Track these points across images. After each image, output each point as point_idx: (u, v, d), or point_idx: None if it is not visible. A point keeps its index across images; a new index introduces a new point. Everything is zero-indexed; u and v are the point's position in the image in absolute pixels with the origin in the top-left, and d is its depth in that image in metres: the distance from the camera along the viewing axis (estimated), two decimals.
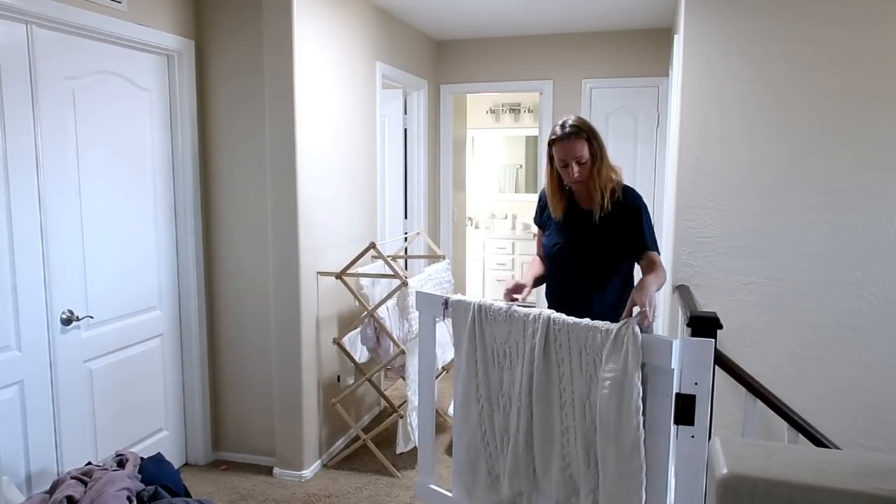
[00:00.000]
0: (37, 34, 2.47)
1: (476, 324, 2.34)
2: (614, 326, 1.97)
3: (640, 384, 1.92)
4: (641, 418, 1.93)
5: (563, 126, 2.42)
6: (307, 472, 3.32)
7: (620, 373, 1.93)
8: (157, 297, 3.16)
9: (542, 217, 2.68)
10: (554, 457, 2.17)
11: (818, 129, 2.82)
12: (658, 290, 2.26)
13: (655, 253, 2.46)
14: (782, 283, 2.89)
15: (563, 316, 2.12)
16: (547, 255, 2.62)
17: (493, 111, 7.24)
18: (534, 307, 2.27)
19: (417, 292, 2.53)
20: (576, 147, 2.38)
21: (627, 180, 4.71)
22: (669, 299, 3.13)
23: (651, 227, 2.53)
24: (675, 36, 3.50)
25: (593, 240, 2.50)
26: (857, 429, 2.84)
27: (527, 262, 6.88)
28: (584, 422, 2.11)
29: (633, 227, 2.49)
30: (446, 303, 2.40)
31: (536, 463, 2.24)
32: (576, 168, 2.40)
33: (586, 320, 2.05)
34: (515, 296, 2.38)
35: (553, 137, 2.44)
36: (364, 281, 3.55)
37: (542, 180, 2.67)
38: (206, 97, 3.30)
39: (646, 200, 2.59)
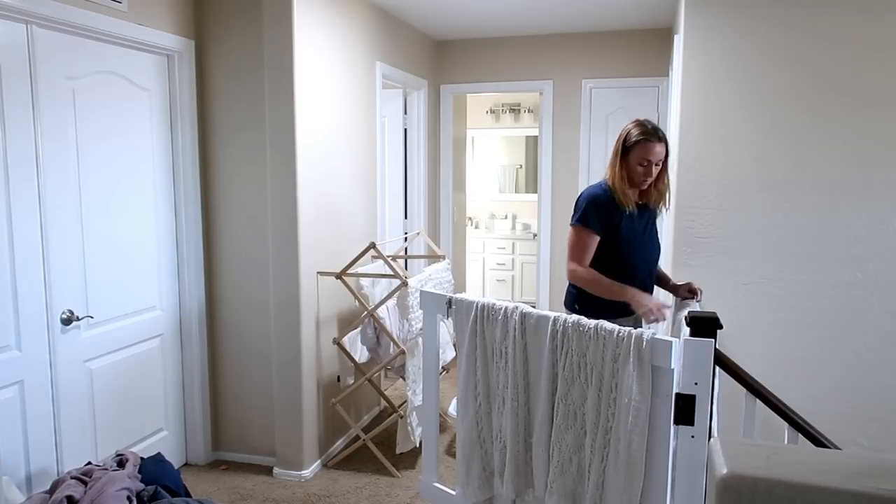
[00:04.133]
0: (37, 34, 2.47)
1: (477, 323, 2.36)
2: (625, 332, 1.97)
3: (647, 406, 1.93)
4: (646, 432, 1.95)
5: (654, 129, 2.57)
6: (307, 472, 3.32)
7: (638, 397, 1.95)
8: (157, 297, 3.16)
9: (606, 223, 2.63)
10: (552, 458, 2.18)
11: (818, 129, 2.82)
12: None
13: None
14: (782, 283, 2.89)
15: (565, 316, 2.14)
16: (631, 259, 2.65)
17: (493, 111, 7.24)
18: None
19: (422, 291, 2.55)
20: (660, 151, 2.55)
21: None
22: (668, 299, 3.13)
23: None
24: (675, 36, 3.50)
25: (657, 240, 2.75)
26: (857, 429, 2.84)
27: (527, 262, 6.90)
28: (576, 424, 2.12)
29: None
30: (450, 302, 2.45)
31: (534, 463, 2.25)
32: (654, 170, 2.57)
33: (594, 323, 2.06)
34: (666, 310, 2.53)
35: (643, 137, 2.55)
36: (364, 281, 3.55)
37: (604, 179, 2.70)
38: (206, 97, 3.30)
39: None
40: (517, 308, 2.27)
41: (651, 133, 2.55)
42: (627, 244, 2.64)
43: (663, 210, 2.72)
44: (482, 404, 2.39)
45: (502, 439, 2.33)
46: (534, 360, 2.23)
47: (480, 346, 2.36)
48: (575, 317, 2.12)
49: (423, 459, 2.67)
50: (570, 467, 2.14)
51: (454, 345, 3.60)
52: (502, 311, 2.29)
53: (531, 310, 2.24)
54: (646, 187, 2.65)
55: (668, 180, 2.67)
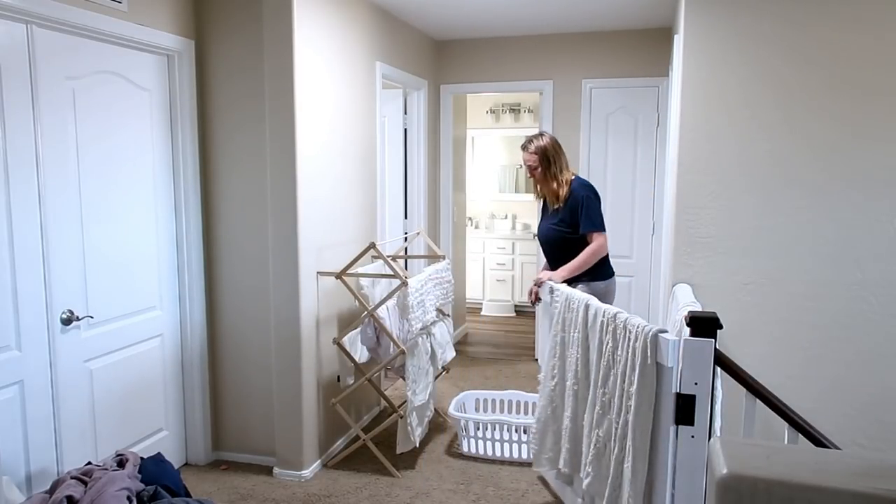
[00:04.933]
0: (37, 34, 2.47)
1: (561, 311, 2.71)
2: (641, 327, 2.05)
3: (650, 402, 1.98)
4: (649, 427, 2.01)
5: (529, 139, 3.42)
6: (307, 472, 3.32)
7: (641, 391, 2.02)
8: (157, 297, 3.16)
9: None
10: (591, 442, 2.31)
11: (818, 129, 2.82)
12: (572, 273, 3.25)
13: (593, 234, 3.30)
14: (782, 283, 2.89)
15: (605, 307, 2.35)
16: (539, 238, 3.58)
17: (493, 111, 7.24)
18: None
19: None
20: (527, 157, 3.41)
21: (627, 180, 4.80)
22: (668, 299, 3.13)
23: (591, 212, 3.32)
24: (675, 36, 3.50)
25: (552, 226, 3.41)
26: (857, 429, 2.84)
27: (527, 262, 6.91)
28: (610, 413, 2.21)
29: (575, 215, 3.33)
30: (551, 290, 2.93)
31: (582, 445, 2.47)
32: (529, 172, 3.45)
33: (625, 316, 2.17)
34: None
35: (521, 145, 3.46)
36: (364, 281, 3.55)
37: None
38: (206, 97, 3.30)
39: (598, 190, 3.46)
40: (585, 300, 2.51)
41: (523, 145, 3.44)
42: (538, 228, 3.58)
43: (557, 204, 3.37)
44: (558, 384, 2.72)
45: (566, 419, 2.59)
46: (591, 349, 2.41)
47: (561, 332, 2.69)
48: (615, 309, 2.26)
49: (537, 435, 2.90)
50: (603, 453, 2.26)
51: (454, 345, 3.63)
52: (577, 302, 2.56)
53: (593, 302, 2.44)
54: (537, 185, 3.48)
55: (553, 182, 3.36)
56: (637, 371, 1.99)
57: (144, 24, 2.93)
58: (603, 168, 4.96)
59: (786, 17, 2.81)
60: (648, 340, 1.96)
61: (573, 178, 3.41)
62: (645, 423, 1.99)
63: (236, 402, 3.47)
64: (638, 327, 2.05)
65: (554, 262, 3.43)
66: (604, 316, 2.30)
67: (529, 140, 3.40)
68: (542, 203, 3.57)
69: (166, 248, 3.22)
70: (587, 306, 2.45)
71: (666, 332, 1.98)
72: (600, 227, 3.32)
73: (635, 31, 4.77)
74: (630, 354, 2.06)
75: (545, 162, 3.36)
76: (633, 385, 2.05)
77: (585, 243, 3.31)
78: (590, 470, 2.30)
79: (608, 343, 2.25)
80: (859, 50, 2.75)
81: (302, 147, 3.17)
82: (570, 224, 3.33)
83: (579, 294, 2.62)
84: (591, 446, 2.31)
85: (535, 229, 6.07)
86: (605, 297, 3.42)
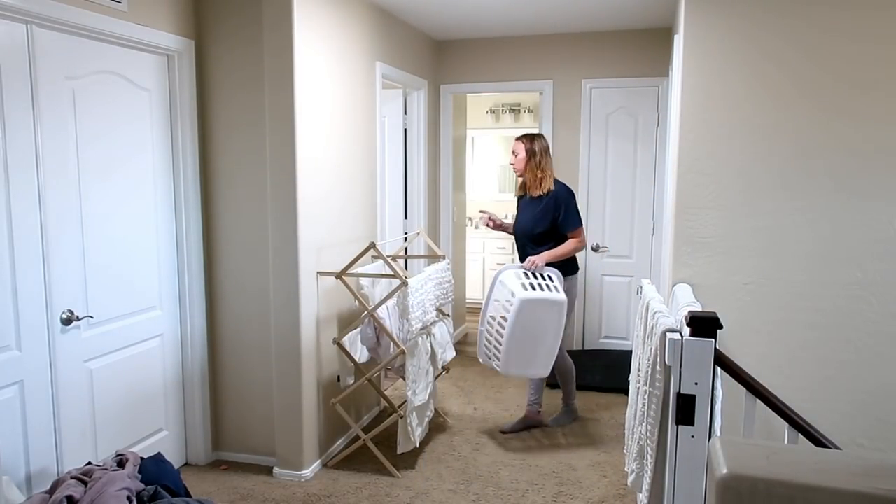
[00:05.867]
0: (37, 34, 2.47)
1: (641, 309, 2.71)
2: (669, 332, 2.08)
3: (659, 399, 2.01)
4: (657, 423, 2.03)
5: (524, 134, 3.83)
6: (307, 472, 3.32)
7: (651, 389, 2.05)
8: (157, 297, 3.16)
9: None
10: (636, 439, 2.36)
11: (818, 129, 2.82)
12: (554, 258, 3.65)
13: (572, 232, 3.71)
14: (782, 283, 2.89)
15: (657, 305, 2.36)
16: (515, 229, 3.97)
17: (493, 111, 7.24)
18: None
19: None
20: (517, 144, 3.80)
21: (627, 180, 4.84)
22: (668, 299, 3.13)
23: (573, 210, 3.73)
24: (675, 36, 3.50)
25: (531, 219, 3.78)
26: (856, 428, 2.84)
27: None
28: (649, 412, 2.26)
29: (556, 212, 3.71)
30: (639, 289, 2.95)
31: (632, 441, 2.54)
32: (513, 157, 3.84)
33: (660, 314, 2.19)
34: (492, 221, 3.95)
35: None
36: (364, 281, 3.55)
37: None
38: (206, 97, 3.30)
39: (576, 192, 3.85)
40: (648, 299, 2.53)
41: (518, 137, 3.82)
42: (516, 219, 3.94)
43: (537, 193, 3.75)
44: (635, 380, 2.79)
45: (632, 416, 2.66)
46: (645, 348, 2.45)
47: (636, 329, 2.75)
48: (659, 307, 2.30)
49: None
50: (645, 451, 2.30)
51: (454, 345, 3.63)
52: (645, 300, 2.59)
53: (651, 301, 2.46)
54: (517, 174, 3.87)
55: (538, 170, 3.74)
56: (651, 369, 2.03)
57: (144, 24, 2.93)
58: (603, 168, 4.96)
59: (786, 17, 2.81)
60: (658, 339, 1.98)
61: (556, 180, 3.77)
62: (654, 421, 2.01)
63: (236, 402, 3.47)
64: (661, 324, 2.08)
65: (524, 249, 3.82)
66: (652, 316, 2.35)
67: (526, 134, 3.84)
68: (518, 200, 3.94)
69: (166, 248, 3.22)
70: (647, 305, 2.49)
71: (676, 331, 1.98)
72: (580, 224, 3.73)
73: (635, 31, 4.77)
74: (656, 352, 2.10)
75: (531, 152, 3.74)
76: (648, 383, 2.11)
77: (560, 236, 3.71)
78: (634, 467, 2.34)
79: (648, 340, 2.29)
80: (859, 50, 2.75)
81: (302, 147, 3.17)
82: (550, 220, 3.70)
83: (650, 293, 2.66)
84: (636, 443, 2.34)
85: None
86: (569, 292, 3.71)
